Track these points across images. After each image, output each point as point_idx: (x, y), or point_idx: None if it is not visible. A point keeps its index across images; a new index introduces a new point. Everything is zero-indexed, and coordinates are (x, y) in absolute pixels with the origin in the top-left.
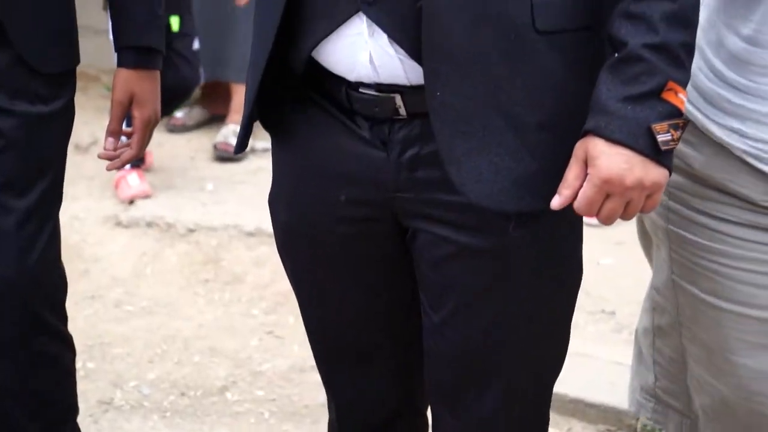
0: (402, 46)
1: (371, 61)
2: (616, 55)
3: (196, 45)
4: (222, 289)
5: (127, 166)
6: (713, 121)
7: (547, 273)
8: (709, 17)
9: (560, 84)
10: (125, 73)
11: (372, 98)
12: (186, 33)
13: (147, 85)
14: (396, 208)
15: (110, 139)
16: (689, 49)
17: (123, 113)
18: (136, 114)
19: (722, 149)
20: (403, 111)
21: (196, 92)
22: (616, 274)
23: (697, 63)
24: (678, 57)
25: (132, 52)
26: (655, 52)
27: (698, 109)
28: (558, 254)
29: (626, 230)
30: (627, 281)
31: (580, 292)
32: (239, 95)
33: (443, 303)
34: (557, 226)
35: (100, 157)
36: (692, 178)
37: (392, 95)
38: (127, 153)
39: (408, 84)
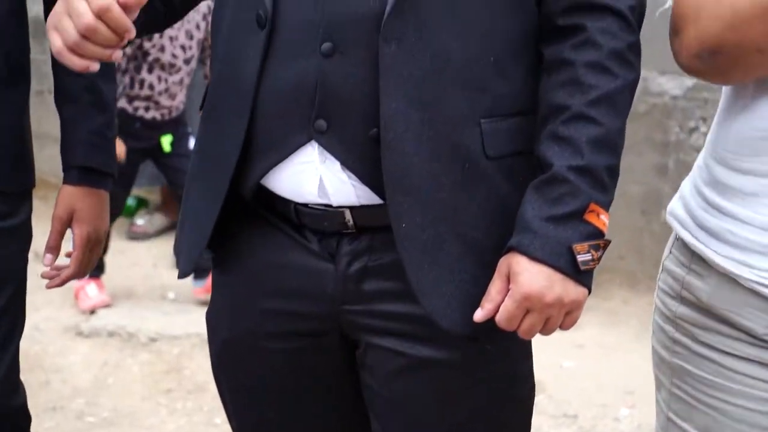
0: (355, 173)
1: (321, 186)
2: (543, 175)
3: (192, 143)
4: (184, 398)
5: (86, 276)
6: (718, 253)
7: (504, 384)
8: (704, 157)
9: (511, 206)
10: (68, 189)
11: (321, 213)
12: (182, 133)
13: (89, 203)
14: (343, 321)
15: (48, 255)
16: (613, 172)
17: (62, 229)
18: (76, 231)
19: (728, 279)
20: (351, 224)
21: (157, 199)
22: (577, 376)
23: (697, 203)
24: (602, 180)
25: (77, 170)
26: (579, 175)
27: (703, 243)
28: (514, 366)
29: (587, 334)
30: (589, 384)
31: (543, 396)
32: None
33: (396, 418)
34: (513, 339)
35: (42, 276)
36: (699, 311)
37: (342, 210)
38: (66, 272)
39: (358, 204)
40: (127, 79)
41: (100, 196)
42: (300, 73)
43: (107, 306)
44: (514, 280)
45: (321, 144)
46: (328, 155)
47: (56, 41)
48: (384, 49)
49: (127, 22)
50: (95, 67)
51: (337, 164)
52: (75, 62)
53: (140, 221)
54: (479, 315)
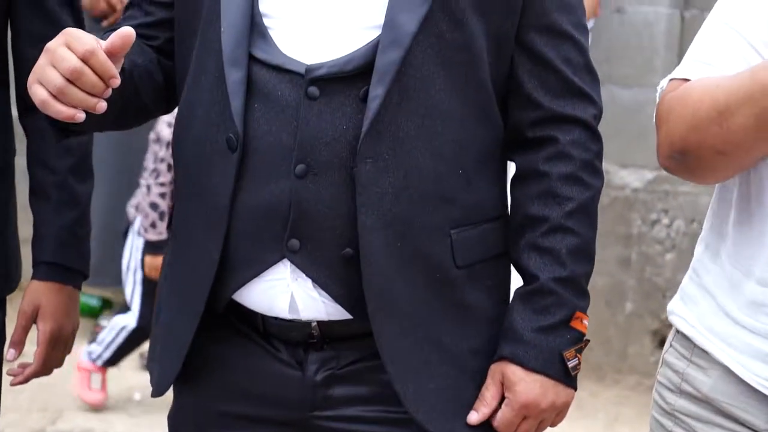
0: (327, 292)
1: (293, 302)
2: (527, 286)
3: None
4: None
5: (99, 362)
6: (726, 354)
7: None
8: (723, 264)
9: (482, 310)
10: (35, 285)
11: (288, 324)
12: None
13: (56, 299)
14: (312, 428)
15: (11, 351)
16: (589, 277)
17: (27, 324)
18: (40, 327)
19: (730, 372)
20: (318, 335)
21: (122, 300)
22: None
23: (710, 307)
24: (582, 287)
25: (45, 266)
26: (564, 286)
27: (711, 342)
28: None
29: (556, 427)
30: None
31: None
32: None
33: None
34: None
35: (8, 373)
36: (699, 403)
37: (309, 322)
38: (29, 369)
39: (327, 320)
40: (166, 190)
41: (69, 293)
42: (274, 194)
43: (98, 408)
44: (511, 389)
45: (293, 262)
46: (300, 273)
47: (40, 93)
48: (360, 168)
49: (111, 67)
50: (81, 116)
51: (308, 282)
52: (60, 110)
53: (105, 322)
54: (475, 418)
